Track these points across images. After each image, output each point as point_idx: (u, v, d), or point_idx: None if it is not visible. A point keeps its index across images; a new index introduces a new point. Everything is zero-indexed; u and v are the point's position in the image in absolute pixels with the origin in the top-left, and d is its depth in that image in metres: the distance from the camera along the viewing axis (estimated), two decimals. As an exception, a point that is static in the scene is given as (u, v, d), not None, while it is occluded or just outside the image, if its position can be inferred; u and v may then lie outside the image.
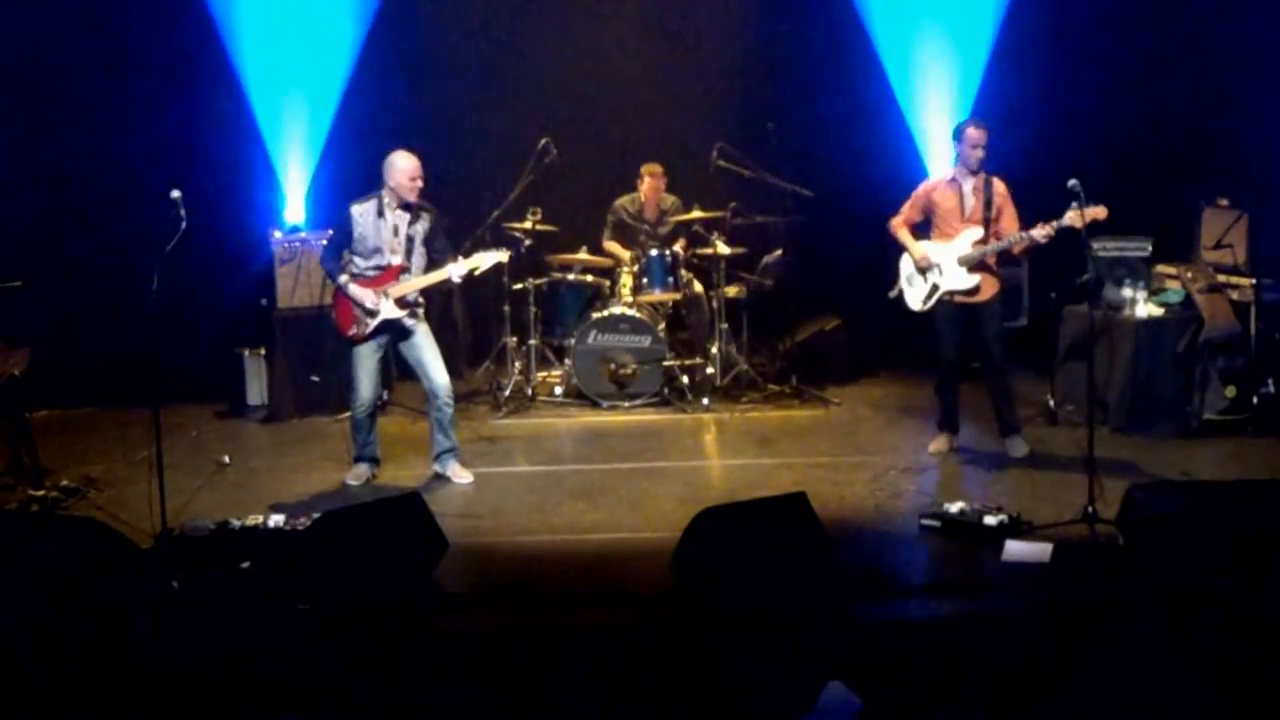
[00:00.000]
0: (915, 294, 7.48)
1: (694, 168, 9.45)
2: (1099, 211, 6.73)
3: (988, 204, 7.27)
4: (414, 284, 7.09)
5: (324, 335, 8.44)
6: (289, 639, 5.04)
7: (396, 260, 7.07)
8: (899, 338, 8.78)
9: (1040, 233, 6.98)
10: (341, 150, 9.58)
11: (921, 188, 7.55)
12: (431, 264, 7.14)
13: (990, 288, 7.35)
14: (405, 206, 7.08)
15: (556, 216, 9.25)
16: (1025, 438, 7.53)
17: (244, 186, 9.49)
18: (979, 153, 7.27)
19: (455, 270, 7.09)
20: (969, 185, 7.34)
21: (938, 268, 7.35)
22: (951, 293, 7.33)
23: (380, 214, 7.05)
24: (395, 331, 7.13)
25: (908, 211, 7.52)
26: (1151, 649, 4.72)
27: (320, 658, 4.84)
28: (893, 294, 7.64)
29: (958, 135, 7.35)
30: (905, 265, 7.54)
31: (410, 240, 7.10)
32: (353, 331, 7.09)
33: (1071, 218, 6.77)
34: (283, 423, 8.76)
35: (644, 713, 4.42)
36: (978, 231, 7.26)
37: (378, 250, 7.06)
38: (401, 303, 7.06)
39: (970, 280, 7.29)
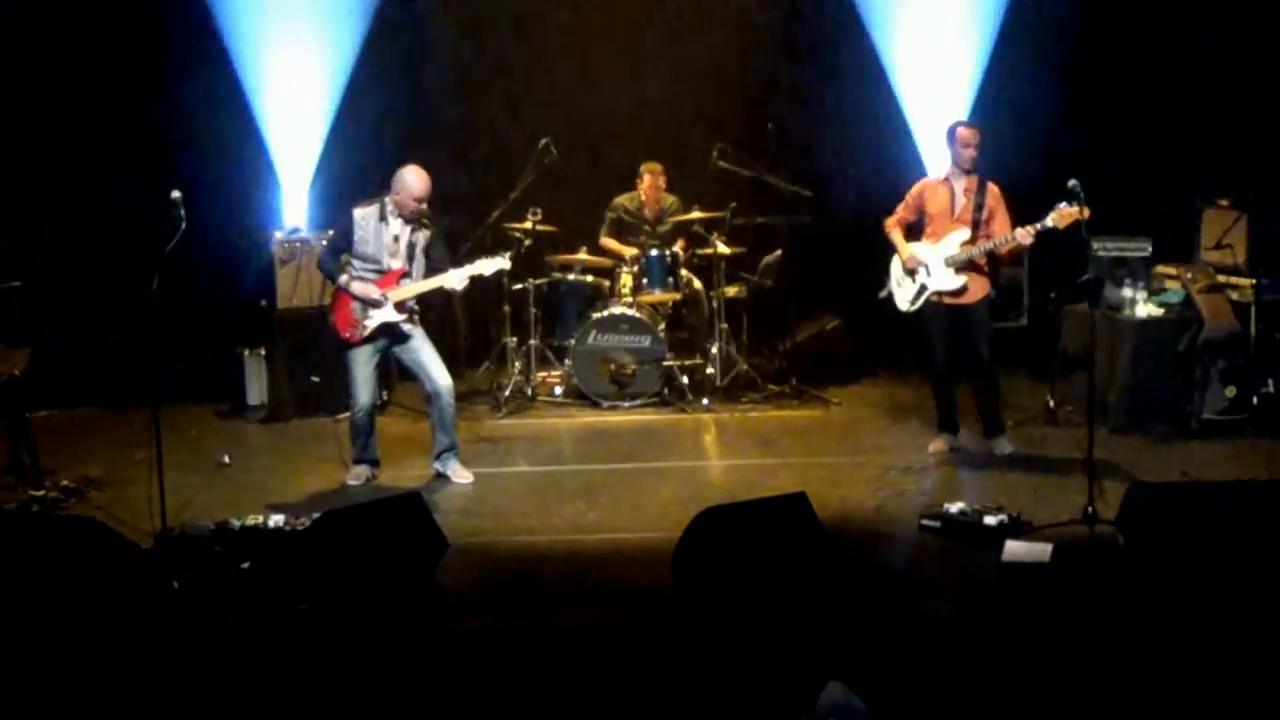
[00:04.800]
0: (903, 294, 7.50)
1: (694, 168, 9.45)
2: (1077, 213, 6.68)
3: (979, 206, 7.28)
4: (414, 289, 7.09)
5: (324, 335, 8.42)
6: (289, 639, 5.04)
7: (397, 264, 7.08)
8: (898, 338, 8.78)
9: (1024, 234, 6.99)
10: (341, 150, 9.58)
11: (915, 188, 7.56)
12: (431, 271, 7.15)
13: (978, 289, 7.34)
14: (406, 218, 7.08)
15: (556, 216, 9.24)
16: (1010, 438, 7.55)
17: (244, 186, 9.49)
18: (970, 152, 7.28)
19: (457, 277, 7.07)
20: (960, 186, 7.35)
21: (925, 268, 7.36)
22: (939, 293, 7.34)
23: (382, 219, 7.05)
24: (392, 336, 7.13)
25: (901, 211, 7.54)
26: (1151, 649, 4.72)
27: (320, 658, 4.84)
28: (883, 294, 7.67)
29: (950, 136, 7.37)
30: (895, 266, 7.56)
31: (411, 247, 7.10)
32: (349, 334, 7.08)
33: (1054, 219, 6.81)
34: (283, 423, 8.76)
35: (643, 713, 4.42)
36: (965, 233, 7.27)
37: (378, 255, 7.06)
38: (401, 307, 7.06)
39: (957, 281, 7.29)
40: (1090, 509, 6.15)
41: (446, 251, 7.32)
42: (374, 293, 7.01)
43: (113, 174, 9.07)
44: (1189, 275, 8.07)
